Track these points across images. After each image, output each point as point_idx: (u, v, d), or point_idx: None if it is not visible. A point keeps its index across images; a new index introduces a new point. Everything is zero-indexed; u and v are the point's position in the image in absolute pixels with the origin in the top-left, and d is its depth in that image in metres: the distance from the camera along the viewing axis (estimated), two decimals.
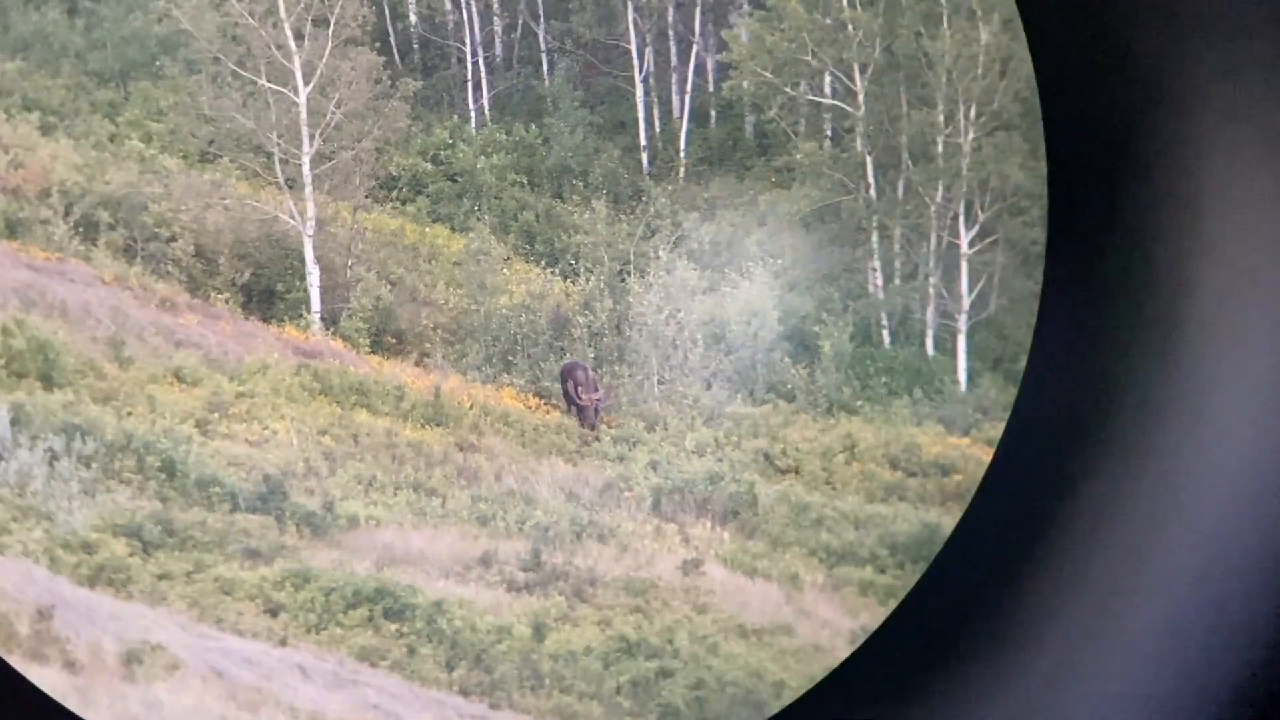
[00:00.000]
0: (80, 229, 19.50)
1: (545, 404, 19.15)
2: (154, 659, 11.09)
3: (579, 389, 18.57)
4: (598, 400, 18.55)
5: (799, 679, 13.27)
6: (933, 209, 20.94)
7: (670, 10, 26.01)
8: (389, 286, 20.98)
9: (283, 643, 12.64)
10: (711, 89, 25.68)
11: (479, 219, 22.71)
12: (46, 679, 9.97)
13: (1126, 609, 3.56)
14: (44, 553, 12.79)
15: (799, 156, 22.26)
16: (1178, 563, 3.50)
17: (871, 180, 21.53)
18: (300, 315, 20.10)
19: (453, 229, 23.23)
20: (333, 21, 20.37)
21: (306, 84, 20.42)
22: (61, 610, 11.29)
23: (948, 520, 15.37)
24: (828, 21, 21.49)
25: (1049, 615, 3.81)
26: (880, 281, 21.55)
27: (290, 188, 20.65)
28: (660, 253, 20.31)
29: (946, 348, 20.82)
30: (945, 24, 20.40)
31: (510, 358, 20.00)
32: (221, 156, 21.16)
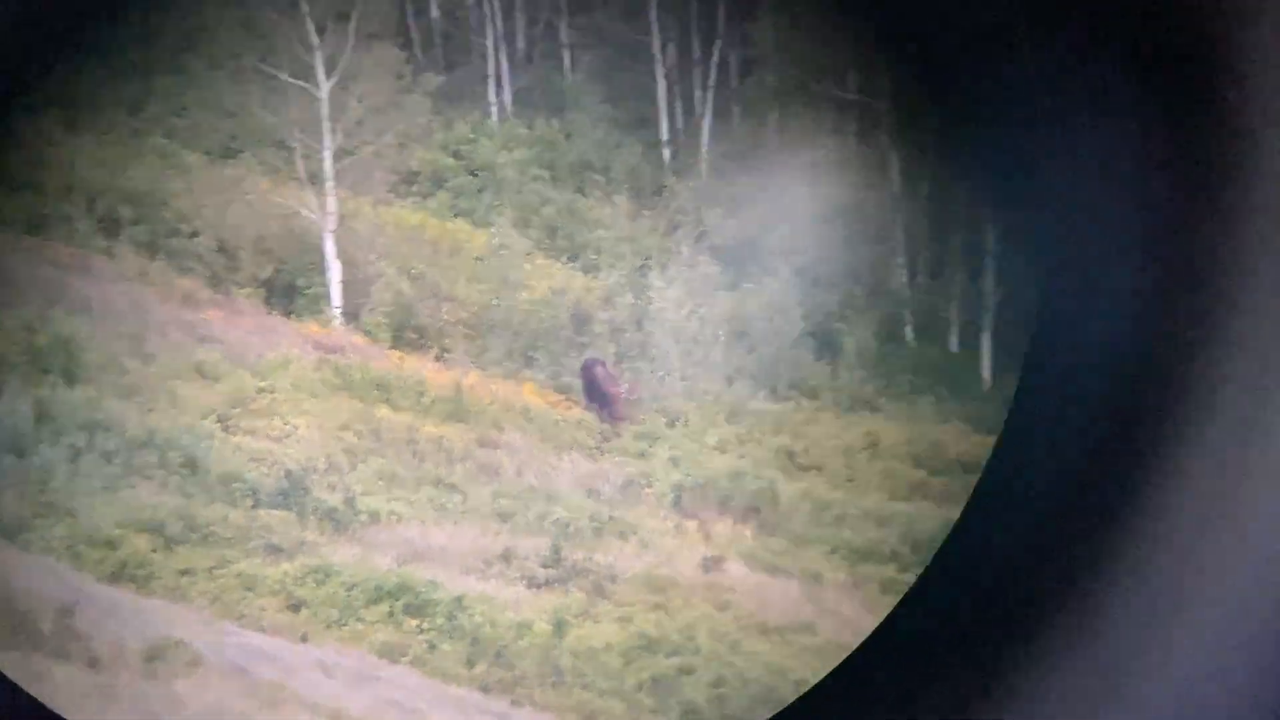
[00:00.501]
0: (102, 225, 19.56)
1: (566, 399, 19.13)
2: (175, 656, 11.13)
3: (606, 381, 18.57)
4: (622, 394, 18.53)
5: (821, 677, 13.22)
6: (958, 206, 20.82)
7: (694, 4, 25.93)
8: (410, 281, 20.97)
9: (304, 639, 12.69)
10: (735, 84, 25.59)
11: (500, 214, 22.68)
12: (68, 677, 10.01)
13: (1134, 603, 3.51)
14: (67, 550, 12.86)
15: (823, 153, 22.15)
16: (1198, 558, 3.45)
17: (896, 177, 21.42)
18: (321, 310, 20.12)
19: (474, 224, 23.21)
20: (354, 16, 20.36)
21: (328, 78, 20.42)
22: (84, 607, 11.34)
23: None
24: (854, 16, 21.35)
25: (1055, 610, 3.76)
26: (905, 279, 21.45)
27: (312, 183, 20.67)
28: (682, 248, 20.25)
29: (971, 345, 20.71)
30: None
31: (531, 353, 19.99)
32: (243, 152, 21.18)
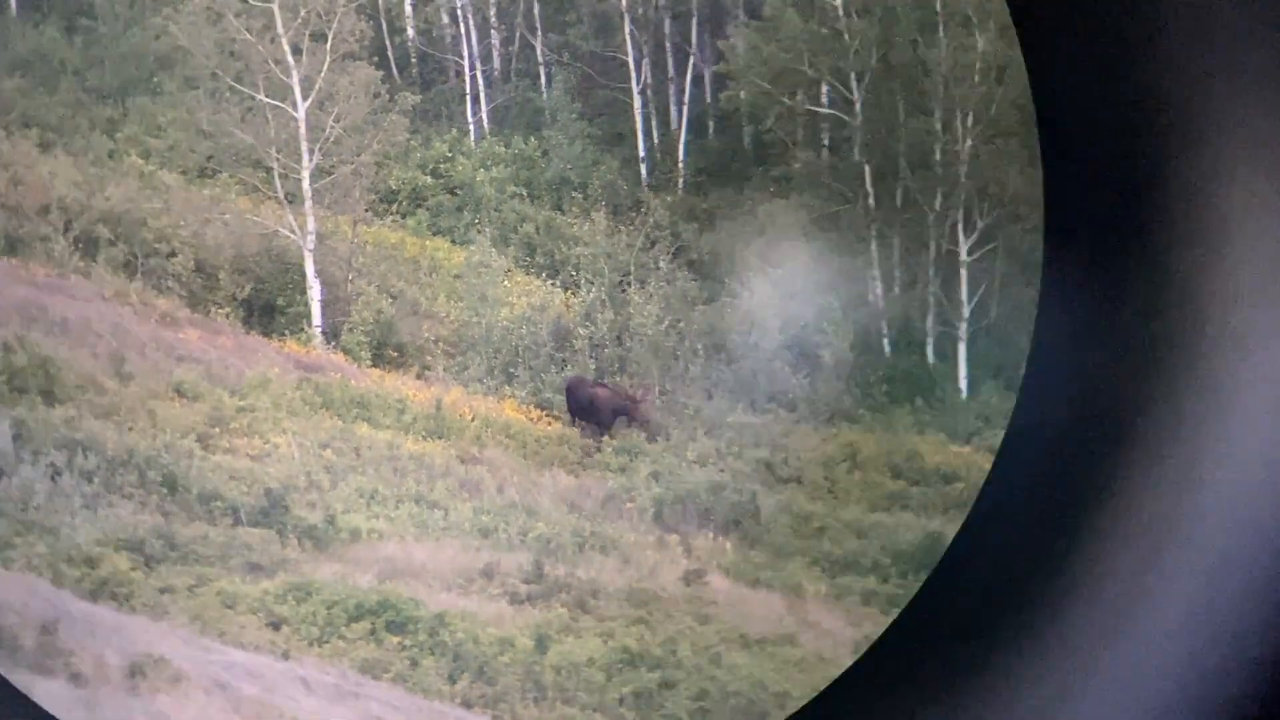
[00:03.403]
0: (80, 245, 19.54)
1: (547, 415, 19.16)
2: (157, 672, 11.12)
3: (612, 397, 18.59)
4: (648, 399, 18.57)
5: (802, 689, 13.28)
6: (931, 217, 20.98)
7: (667, 22, 26.09)
8: (390, 300, 21.01)
9: (285, 656, 12.67)
10: (709, 100, 25.73)
11: (479, 231, 22.73)
12: (51, 692, 10.00)
13: (1131, 614, 3.55)
14: (48, 567, 12.84)
15: (797, 166, 22.30)
16: (1181, 567, 3.49)
17: (870, 189, 21.56)
18: (301, 329, 20.13)
19: (453, 242, 23.25)
20: (330, 36, 20.41)
21: (305, 99, 20.46)
22: (65, 624, 11.32)
23: (950, 528, 15.39)
24: (824, 31, 21.55)
25: (1052, 622, 3.80)
26: (880, 290, 21.58)
27: (290, 202, 20.68)
28: (660, 263, 20.34)
29: (947, 355, 20.84)
30: (941, 32, 20.46)
31: (512, 370, 20.02)
32: (220, 172, 21.20)
